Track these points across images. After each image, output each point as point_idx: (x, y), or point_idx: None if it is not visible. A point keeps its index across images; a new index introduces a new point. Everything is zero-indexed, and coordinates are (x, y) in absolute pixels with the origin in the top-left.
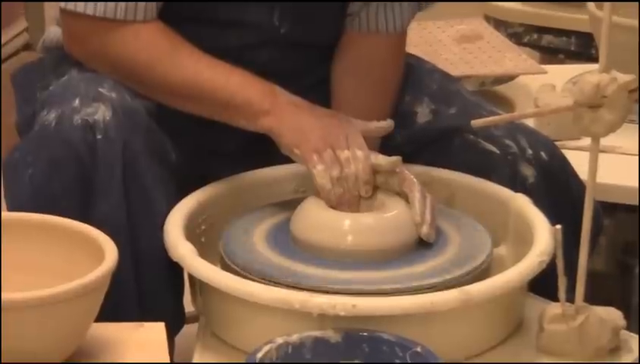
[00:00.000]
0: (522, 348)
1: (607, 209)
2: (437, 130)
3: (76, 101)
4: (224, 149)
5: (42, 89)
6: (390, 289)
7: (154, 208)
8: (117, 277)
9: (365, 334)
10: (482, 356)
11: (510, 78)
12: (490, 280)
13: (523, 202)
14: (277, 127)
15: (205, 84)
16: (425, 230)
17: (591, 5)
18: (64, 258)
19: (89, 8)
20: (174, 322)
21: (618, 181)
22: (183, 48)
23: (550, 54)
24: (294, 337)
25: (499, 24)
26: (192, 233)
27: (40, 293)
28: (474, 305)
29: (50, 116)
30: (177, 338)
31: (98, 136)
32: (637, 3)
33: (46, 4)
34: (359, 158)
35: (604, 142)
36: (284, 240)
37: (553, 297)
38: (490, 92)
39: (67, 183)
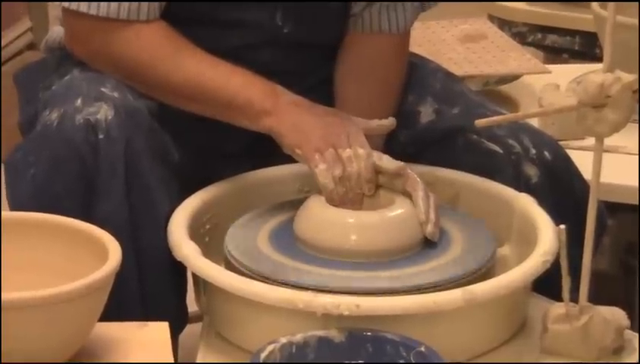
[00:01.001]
0: (525, 348)
1: (610, 209)
2: (440, 129)
3: (79, 101)
4: (227, 149)
5: (45, 89)
6: (393, 288)
7: (156, 207)
8: (120, 276)
9: (368, 333)
10: (486, 355)
11: (514, 78)
12: (494, 280)
13: (527, 202)
14: (278, 127)
15: (207, 84)
16: (429, 228)
17: (595, 5)
18: (67, 258)
19: (93, 8)
20: (177, 321)
21: (622, 181)
22: (185, 47)
23: (554, 54)
24: (298, 337)
25: (503, 24)
26: (196, 232)
27: (44, 293)
28: (478, 305)
29: (52, 116)
30: (181, 338)
31: (100, 136)
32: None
33: (50, 4)
34: (361, 156)
35: (608, 141)
36: (288, 239)
37: (557, 297)
38: (494, 91)
39: (69, 183)
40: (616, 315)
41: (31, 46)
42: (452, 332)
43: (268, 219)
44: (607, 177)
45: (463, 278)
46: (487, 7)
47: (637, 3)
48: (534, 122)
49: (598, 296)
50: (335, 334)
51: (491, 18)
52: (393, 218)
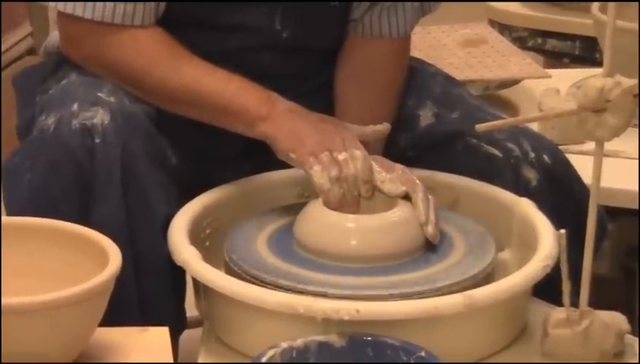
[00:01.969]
0: (526, 353)
1: (610, 213)
2: (439, 133)
3: (75, 106)
4: (225, 153)
5: (42, 93)
6: (394, 293)
7: (153, 211)
8: (117, 280)
9: (369, 338)
10: (486, 360)
11: (514, 82)
12: (494, 284)
13: (527, 207)
14: (273, 133)
15: (203, 90)
16: (430, 230)
17: (595, 9)
18: (65, 262)
19: (88, 12)
20: (176, 325)
21: (621, 185)
22: (181, 53)
23: (555, 59)
24: (298, 342)
25: (503, 28)
26: (196, 237)
27: (45, 298)
28: (478, 309)
29: (49, 120)
30: (181, 342)
31: (97, 140)
32: None
33: (50, 8)
34: (357, 158)
35: (608, 146)
36: (288, 244)
37: (558, 302)
38: (495, 96)
39: (66, 187)
40: (616, 319)
41: (31, 51)
42: (452, 337)
43: (268, 224)
44: (607, 182)
45: (464, 283)
46: (488, 11)
47: (637, 7)
48: (534, 126)
49: (598, 301)
50: (335, 339)
51: (492, 23)
52: (393, 222)
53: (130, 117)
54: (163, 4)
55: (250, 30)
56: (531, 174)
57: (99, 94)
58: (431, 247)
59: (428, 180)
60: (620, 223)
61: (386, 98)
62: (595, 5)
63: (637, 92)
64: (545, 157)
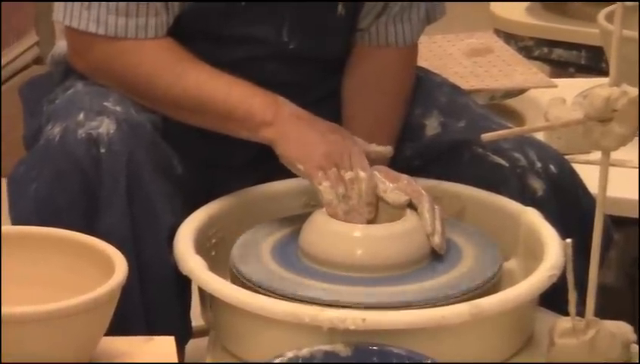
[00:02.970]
0: (532, 362)
1: (616, 223)
2: (445, 143)
3: (81, 116)
4: (231, 163)
5: (49, 103)
6: (400, 303)
7: (158, 221)
8: (122, 289)
9: (375, 347)
10: None
11: (520, 92)
12: (500, 294)
13: (533, 216)
14: (279, 139)
15: (207, 95)
16: (436, 240)
17: (601, 19)
18: (71, 271)
19: (101, 28)
20: (181, 334)
21: (628, 195)
22: (186, 59)
23: (561, 68)
24: (304, 351)
25: (509, 38)
26: (202, 246)
27: (50, 307)
28: (484, 319)
29: (55, 130)
30: (187, 352)
31: (102, 150)
32: None
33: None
34: (362, 180)
35: (614, 155)
36: (294, 253)
37: (564, 311)
38: (501, 105)
39: (72, 197)
40: (622, 329)
41: (38, 60)
42: (458, 346)
43: (274, 233)
44: (613, 191)
45: (470, 292)
46: (494, 21)
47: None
48: (540, 136)
49: (605, 310)
50: (341, 348)
51: (497, 32)
52: (399, 232)
53: (136, 126)
54: (172, 16)
55: (257, 41)
56: (537, 184)
57: (105, 103)
58: (437, 257)
59: (434, 189)
60: (626, 232)
61: (393, 106)
62: (601, 14)
63: None
64: (551, 166)
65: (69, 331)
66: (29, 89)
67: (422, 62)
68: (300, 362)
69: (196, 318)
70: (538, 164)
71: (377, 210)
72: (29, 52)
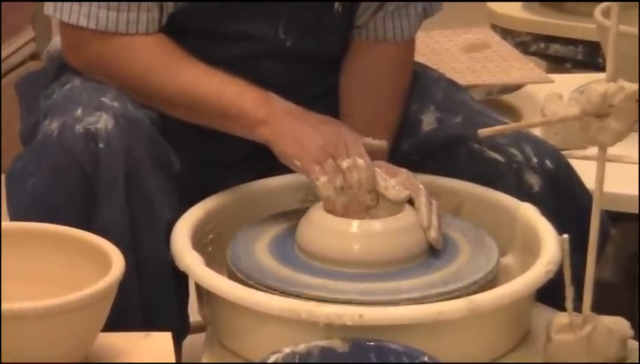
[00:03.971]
0: (529, 358)
1: (613, 218)
2: (442, 138)
3: (79, 111)
4: (229, 159)
5: (46, 98)
6: (397, 298)
7: (157, 216)
8: (120, 285)
9: (371, 343)
10: None
11: (517, 87)
12: (497, 289)
13: (530, 212)
14: (274, 138)
15: (201, 93)
16: (432, 234)
17: (598, 14)
18: (68, 267)
19: (92, 22)
20: (179, 330)
21: (624, 190)
22: (180, 57)
23: (557, 64)
24: (301, 347)
25: (506, 33)
26: (199, 242)
27: (47, 303)
28: (481, 314)
29: (52, 125)
30: (184, 348)
31: (100, 145)
32: None
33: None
34: (360, 167)
35: (611, 151)
36: (291, 249)
37: (561, 307)
38: (497, 101)
39: (69, 192)
40: (619, 324)
41: (34, 56)
42: (456, 342)
43: (271, 228)
44: (609, 187)
45: (467, 288)
46: (491, 16)
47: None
48: (537, 131)
49: (601, 306)
50: (338, 344)
51: (494, 28)
52: (396, 227)
53: (134, 122)
54: (166, 13)
55: (254, 39)
56: (533, 179)
57: (103, 99)
58: (434, 252)
59: (430, 185)
60: (623, 228)
61: (391, 101)
62: (598, 10)
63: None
64: (548, 162)
65: (66, 327)
66: (26, 84)
67: (419, 58)
68: (297, 358)
69: (194, 314)
70: (535, 160)
71: (378, 199)
72: (25, 48)
